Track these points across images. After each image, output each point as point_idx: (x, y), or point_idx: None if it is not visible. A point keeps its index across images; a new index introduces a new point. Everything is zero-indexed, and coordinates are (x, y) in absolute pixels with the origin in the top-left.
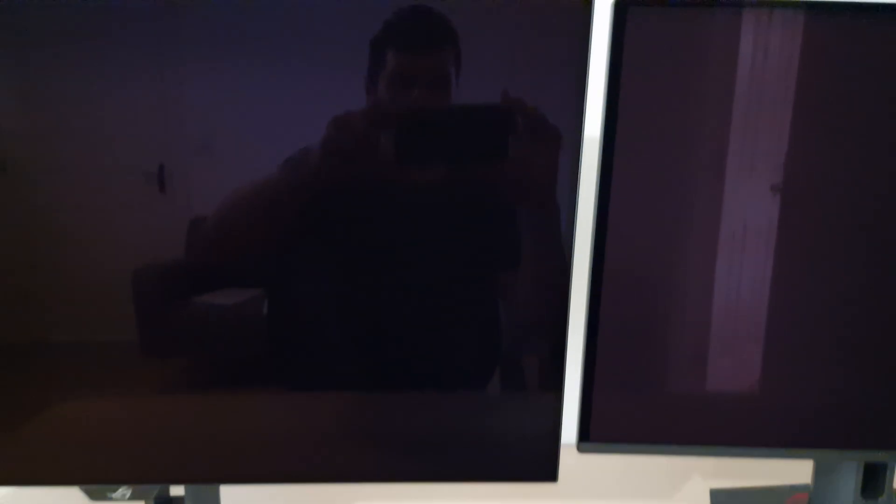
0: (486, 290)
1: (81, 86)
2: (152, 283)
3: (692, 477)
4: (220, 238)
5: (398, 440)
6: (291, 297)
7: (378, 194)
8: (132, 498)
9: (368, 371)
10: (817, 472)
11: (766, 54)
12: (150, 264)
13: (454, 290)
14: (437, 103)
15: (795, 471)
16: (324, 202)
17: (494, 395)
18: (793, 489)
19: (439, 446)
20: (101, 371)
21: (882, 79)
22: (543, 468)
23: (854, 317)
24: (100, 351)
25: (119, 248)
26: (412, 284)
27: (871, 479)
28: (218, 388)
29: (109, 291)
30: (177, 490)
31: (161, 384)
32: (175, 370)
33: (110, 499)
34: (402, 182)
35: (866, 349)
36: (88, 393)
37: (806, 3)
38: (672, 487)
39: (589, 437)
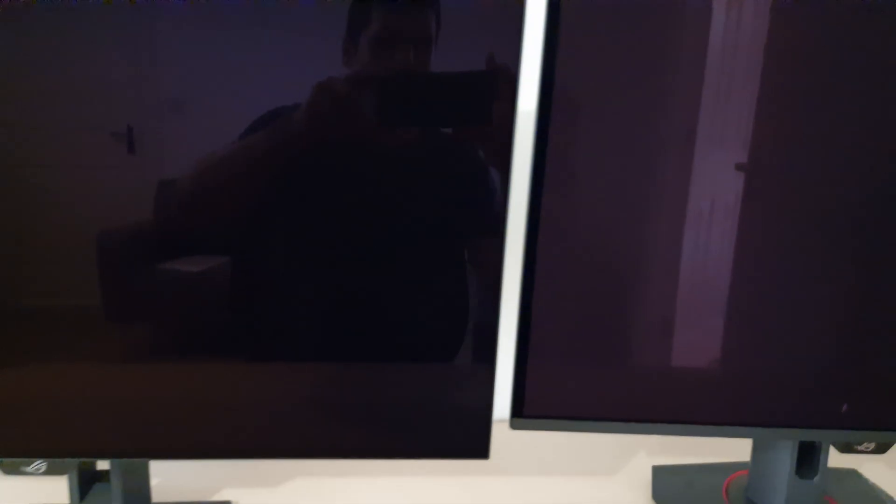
0: (437, 259)
1: (47, 43)
2: (116, 246)
3: (638, 453)
4: (189, 202)
5: (330, 416)
6: (259, 265)
7: (356, 159)
8: (51, 472)
9: (306, 344)
10: (755, 451)
11: (707, 30)
12: (115, 227)
13: (411, 261)
14: (421, 65)
15: (742, 448)
16: (299, 167)
17: (427, 368)
18: (733, 467)
19: (369, 421)
20: (57, 337)
21: (847, 57)
22: (475, 445)
23: (796, 297)
24: (59, 316)
25: (84, 209)
26: (373, 254)
27: (807, 459)
28: (167, 359)
29: (72, 254)
30: (103, 464)
31: (117, 353)
32: (133, 338)
33: (23, 472)
34: (380, 146)
35: (802, 328)
36: (32, 360)
37: None
38: (617, 464)
39: (522, 413)
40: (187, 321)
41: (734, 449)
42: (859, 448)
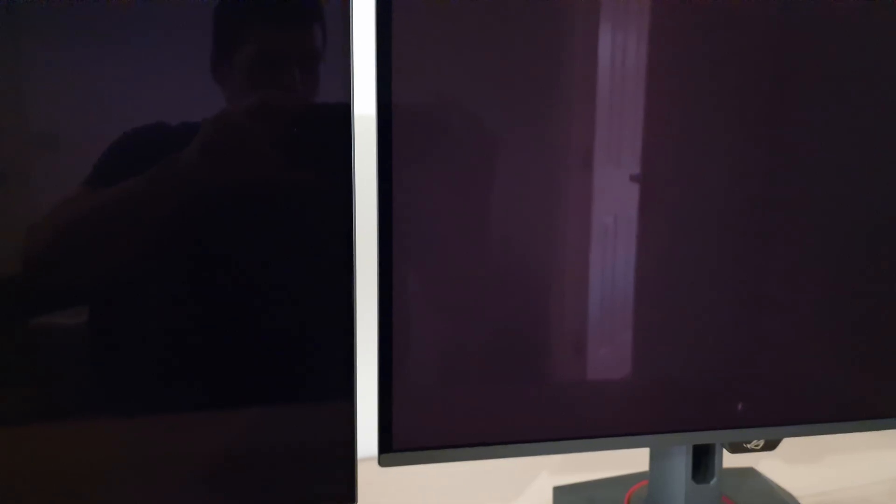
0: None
1: None
2: None
3: (539, 475)
4: (61, 249)
5: (182, 470)
6: (145, 315)
7: (245, 199)
8: None
9: (158, 392)
10: (653, 460)
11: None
12: None
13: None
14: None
15: (645, 458)
16: (190, 209)
17: (282, 409)
18: (634, 478)
19: (222, 473)
20: None
21: (726, 70)
22: (339, 488)
23: (687, 302)
24: None
25: None
26: (239, 292)
27: (702, 462)
28: (52, 419)
29: None
30: None
31: None
32: (8, 401)
33: None
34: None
35: (695, 333)
36: None
37: None
38: (517, 489)
39: (391, 448)
40: (63, 378)
41: (638, 460)
42: (749, 446)
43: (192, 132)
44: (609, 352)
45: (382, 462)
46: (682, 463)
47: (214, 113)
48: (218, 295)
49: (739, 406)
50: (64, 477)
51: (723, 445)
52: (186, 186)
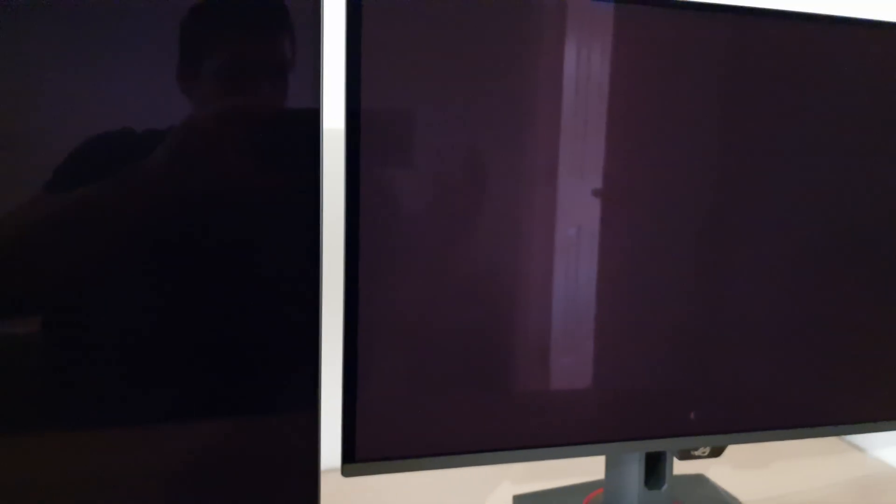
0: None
1: None
2: None
3: (501, 483)
4: (17, 257)
5: (146, 481)
6: (103, 325)
7: (213, 209)
8: None
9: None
10: (608, 467)
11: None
12: None
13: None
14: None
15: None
16: (152, 217)
17: (246, 420)
18: (592, 486)
19: (184, 485)
20: None
21: (690, 82)
22: (302, 499)
23: (642, 313)
24: None
25: None
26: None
27: (654, 469)
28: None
29: None
30: None
31: None
32: None
33: None
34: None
35: (649, 343)
36: None
37: None
38: (478, 499)
39: (354, 458)
40: (14, 390)
41: (598, 468)
42: (696, 453)
43: (158, 139)
44: (569, 362)
45: (345, 472)
46: (635, 470)
47: (181, 119)
48: (181, 305)
49: (692, 415)
50: (16, 491)
51: (672, 453)
52: (150, 193)
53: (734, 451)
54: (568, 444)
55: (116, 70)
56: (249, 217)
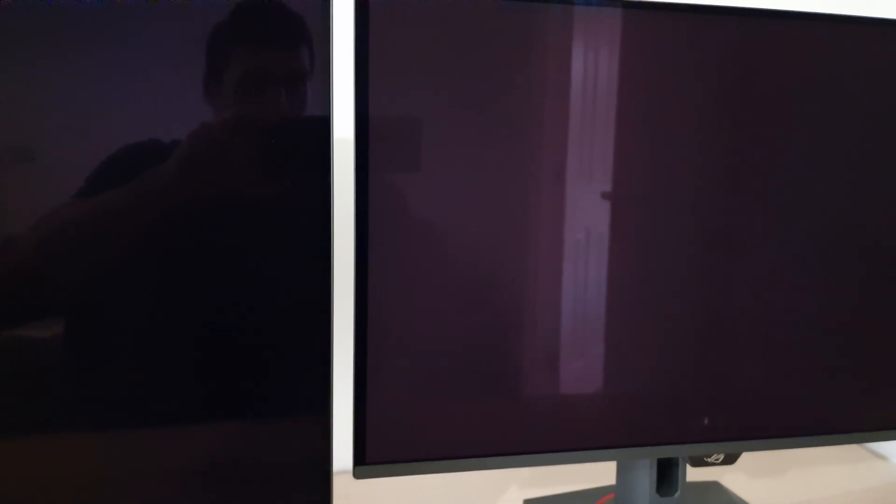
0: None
1: None
2: None
3: (509, 488)
4: (33, 263)
5: (161, 482)
6: (121, 328)
7: (228, 215)
8: None
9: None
10: (619, 472)
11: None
12: None
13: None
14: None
15: (613, 471)
16: (166, 224)
17: (259, 423)
18: (601, 491)
19: (198, 487)
20: None
21: (700, 85)
22: (315, 501)
23: (654, 318)
24: None
25: None
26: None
27: (666, 476)
28: (25, 433)
29: None
30: None
31: None
32: None
33: None
34: (248, 200)
35: (659, 347)
36: None
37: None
38: (488, 502)
39: (365, 460)
40: (37, 391)
41: (607, 473)
42: (709, 460)
43: (175, 147)
44: (579, 367)
45: (357, 474)
46: (646, 476)
47: (203, 129)
48: (195, 310)
49: (705, 421)
50: (37, 491)
51: (685, 459)
52: (164, 200)
53: (750, 459)
54: (578, 448)
55: (144, 83)
56: (261, 223)
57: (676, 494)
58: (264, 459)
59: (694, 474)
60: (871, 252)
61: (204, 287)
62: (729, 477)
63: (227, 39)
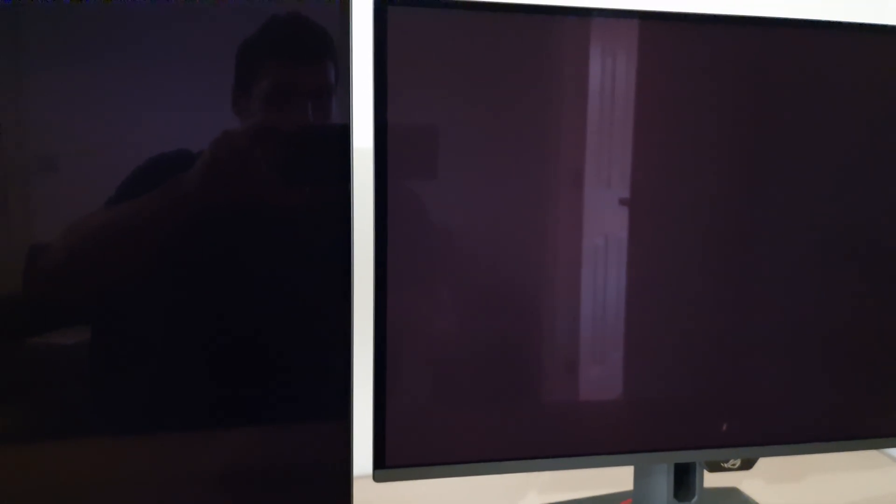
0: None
1: None
2: None
3: (528, 494)
4: (63, 270)
5: (182, 487)
6: (144, 335)
7: (248, 222)
8: None
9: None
10: (637, 477)
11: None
12: None
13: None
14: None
15: (628, 477)
16: (189, 231)
17: (280, 428)
18: (619, 496)
19: (219, 492)
20: None
21: (717, 91)
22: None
23: (672, 322)
24: None
25: None
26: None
27: (683, 481)
28: (37, 439)
29: None
30: None
31: None
32: (6, 420)
33: None
34: (271, 207)
35: (677, 352)
36: None
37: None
38: None
39: (384, 464)
40: (62, 398)
41: (626, 478)
42: (726, 465)
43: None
44: (597, 371)
45: (377, 477)
46: (664, 481)
47: (216, 136)
48: (216, 316)
49: (723, 426)
50: (61, 495)
51: (702, 464)
52: (187, 208)
53: (770, 464)
54: (595, 453)
55: (170, 94)
56: (282, 230)
57: (694, 500)
58: (285, 464)
59: (711, 480)
60: (892, 257)
61: (226, 293)
62: (747, 482)
63: (258, 53)
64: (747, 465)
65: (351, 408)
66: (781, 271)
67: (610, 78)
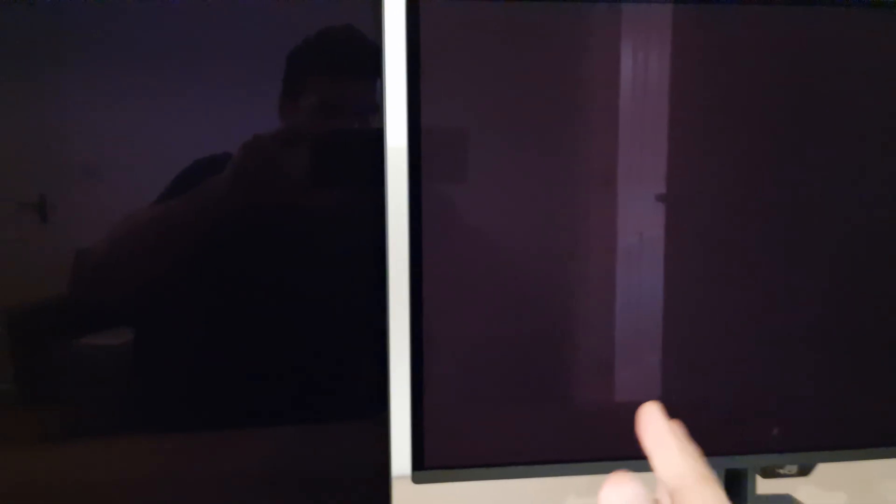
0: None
1: None
2: (31, 323)
3: (567, 497)
4: (107, 271)
5: (221, 487)
6: (184, 336)
7: (280, 225)
8: None
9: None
10: None
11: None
12: (29, 303)
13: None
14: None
15: None
16: (226, 232)
17: (318, 429)
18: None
19: (258, 492)
20: None
21: (752, 86)
22: None
23: (715, 322)
24: None
25: None
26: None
27: (734, 487)
28: (87, 439)
29: None
30: None
31: (32, 437)
32: (50, 421)
33: None
34: (303, 210)
35: (728, 355)
36: None
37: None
38: None
39: (423, 465)
40: (107, 397)
41: None
42: (782, 472)
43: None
44: (637, 373)
45: (416, 479)
46: None
47: (246, 139)
48: (254, 318)
49: (774, 430)
50: (102, 493)
51: (755, 470)
52: (223, 211)
53: (827, 470)
54: (637, 457)
55: (225, 103)
56: (317, 231)
57: None
58: (323, 465)
59: (766, 486)
60: None
61: (263, 295)
62: (803, 490)
63: (299, 62)
64: (805, 471)
65: (388, 408)
66: (838, 270)
67: (643, 69)
